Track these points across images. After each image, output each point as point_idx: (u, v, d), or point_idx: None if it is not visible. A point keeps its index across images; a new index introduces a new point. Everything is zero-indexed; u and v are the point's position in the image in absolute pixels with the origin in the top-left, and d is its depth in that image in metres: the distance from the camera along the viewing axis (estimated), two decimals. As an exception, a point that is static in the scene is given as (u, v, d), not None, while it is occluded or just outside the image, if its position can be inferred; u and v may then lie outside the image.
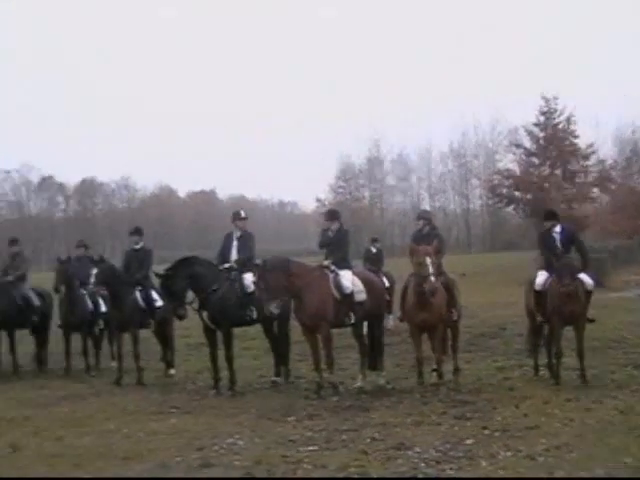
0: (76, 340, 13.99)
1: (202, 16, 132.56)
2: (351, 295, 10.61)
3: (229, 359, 11.22)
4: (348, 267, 10.96)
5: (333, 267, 10.77)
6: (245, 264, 11.47)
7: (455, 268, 19.27)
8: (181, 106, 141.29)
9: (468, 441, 7.56)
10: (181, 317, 11.61)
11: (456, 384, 10.76)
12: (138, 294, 12.49)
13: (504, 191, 50.04)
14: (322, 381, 10.53)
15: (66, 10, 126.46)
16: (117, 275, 12.51)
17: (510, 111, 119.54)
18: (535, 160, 49.99)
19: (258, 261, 11.14)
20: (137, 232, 13.28)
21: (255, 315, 11.29)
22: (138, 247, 13.10)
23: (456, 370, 11.15)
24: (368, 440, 7.78)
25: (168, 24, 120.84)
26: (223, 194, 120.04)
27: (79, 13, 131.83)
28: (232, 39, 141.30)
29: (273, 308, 10.25)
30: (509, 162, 56.12)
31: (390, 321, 16.29)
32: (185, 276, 11.00)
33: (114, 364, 13.09)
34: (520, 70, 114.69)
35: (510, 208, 53.76)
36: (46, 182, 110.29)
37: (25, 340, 15.10)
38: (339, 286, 10.56)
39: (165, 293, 11.48)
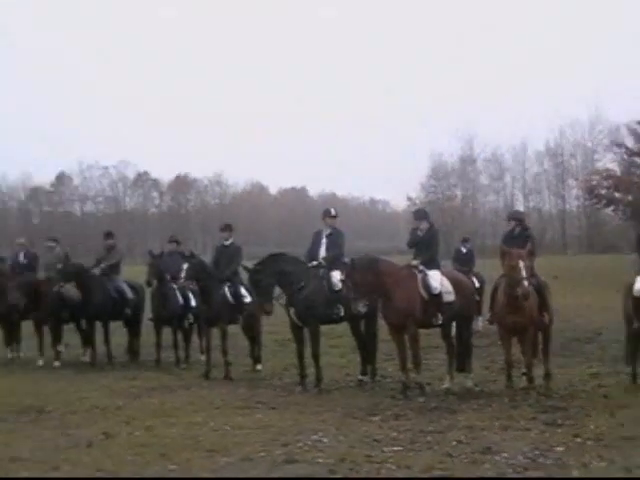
0: (167, 333, 14.29)
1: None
2: (439, 295, 10.47)
3: (316, 356, 11.24)
4: (437, 267, 10.81)
5: (421, 267, 10.64)
6: (334, 262, 11.44)
7: (549, 270, 18.77)
8: (275, 103, 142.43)
9: (558, 449, 7.33)
10: (268, 312, 11.71)
11: (547, 389, 10.47)
12: (227, 290, 12.63)
13: (603, 192, 48.52)
14: (408, 381, 10.42)
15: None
16: (207, 271, 12.69)
17: (611, 109, 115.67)
18: (638, 160, 48.24)
19: (346, 259, 11.11)
20: (227, 228, 13.42)
21: (342, 313, 11.27)
22: (228, 243, 13.24)
23: (547, 375, 10.85)
24: (454, 443, 7.64)
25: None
26: (314, 191, 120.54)
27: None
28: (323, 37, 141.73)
29: (360, 307, 10.21)
30: (609, 162, 54.51)
31: (479, 323, 16.04)
32: (273, 272, 11.07)
33: (203, 358, 13.29)
34: (622, 67, 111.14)
35: (609, 209, 52.14)
36: (141, 178, 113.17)
37: (118, 332, 15.54)
38: (427, 286, 10.43)
39: (253, 288, 11.60)
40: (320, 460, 7.14)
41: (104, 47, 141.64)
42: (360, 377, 11.68)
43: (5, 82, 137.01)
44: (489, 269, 16.59)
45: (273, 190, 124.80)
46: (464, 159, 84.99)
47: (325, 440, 7.87)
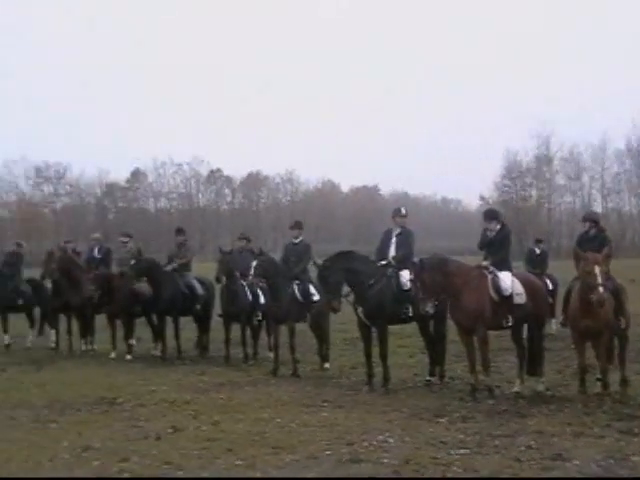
0: (236, 329, 14.41)
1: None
2: (510, 297, 10.26)
3: (383, 356, 11.16)
4: (508, 268, 10.60)
5: (492, 268, 10.45)
6: (403, 261, 11.34)
7: (627, 273, 18.26)
8: (349, 103, 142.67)
9: (634, 458, 7.09)
10: (335, 310, 11.67)
11: (623, 396, 10.13)
12: (296, 287, 12.64)
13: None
14: (477, 383, 10.25)
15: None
16: (276, 268, 12.71)
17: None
18: None
19: (416, 259, 10.99)
20: (297, 226, 13.44)
21: (411, 313, 11.16)
22: (297, 241, 13.25)
23: (623, 381, 10.51)
24: (523, 448, 7.47)
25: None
26: (385, 190, 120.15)
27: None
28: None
29: (429, 308, 10.09)
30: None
31: (552, 325, 15.69)
32: (342, 269, 11.03)
33: (271, 355, 13.36)
34: None
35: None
36: (214, 175, 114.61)
37: (188, 327, 15.75)
38: (497, 287, 10.24)
39: (321, 284, 11.58)
40: (385, 460, 7.08)
41: (180, 48, 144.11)
42: (428, 378, 11.55)
43: (85, 81, 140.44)
44: (563, 271, 16.18)
45: (345, 188, 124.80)
46: (540, 158, 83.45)
47: (391, 440, 7.81)
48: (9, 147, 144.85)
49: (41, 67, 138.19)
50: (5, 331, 15.99)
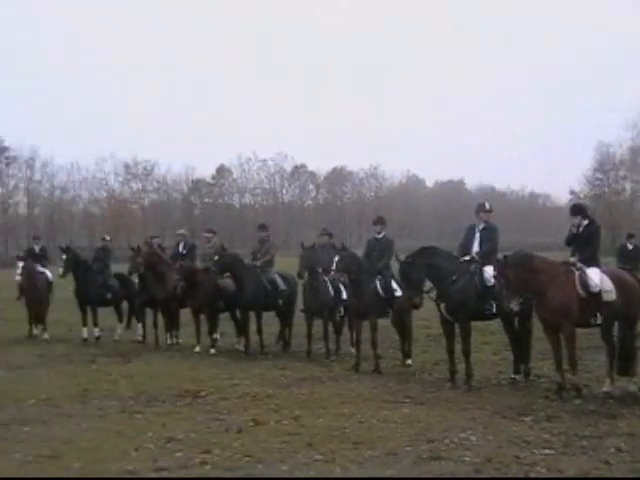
0: (318, 325, 14.44)
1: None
2: (598, 294, 9.94)
3: (466, 352, 11.00)
4: (596, 265, 10.27)
5: (579, 264, 10.15)
6: (486, 257, 11.15)
7: None
8: (434, 97, 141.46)
9: None
10: (416, 306, 11.54)
11: None
12: (378, 283, 12.58)
13: None
14: (564, 382, 9.97)
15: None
16: (358, 263, 12.68)
17: None
18: None
19: (500, 255, 10.77)
20: (380, 221, 13.38)
21: (494, 309, 10.96)
22: (380, 236, 13.19)
23: None
24: (612, 450, 7.25)
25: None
26: (471, 184, 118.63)
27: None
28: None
29: (513, 305, 9.88)
30: None
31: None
32: (423, 265, 10.92)
33: (353, 350, 13.33)
34: None
35: None
36: (298, 170, 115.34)
37: (271, 322, 15.88)
38: (585, 284, 9.93)
39: (402, 280, 11.50)
40: (466, 458, 6.99)
41: (262, 47, 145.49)
42: (513, 376, 11.32)
43: (171, 81, 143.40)
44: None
45: (429, 183, 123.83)
46: (635, 150, 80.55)
47: (473, 438, 7.70)
48: (100, 145, 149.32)
49: (129, 68, 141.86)
50: (95, 324, 16.45)
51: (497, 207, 12.03)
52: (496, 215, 11.82)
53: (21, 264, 17.08)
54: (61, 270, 16.35)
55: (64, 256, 16.27)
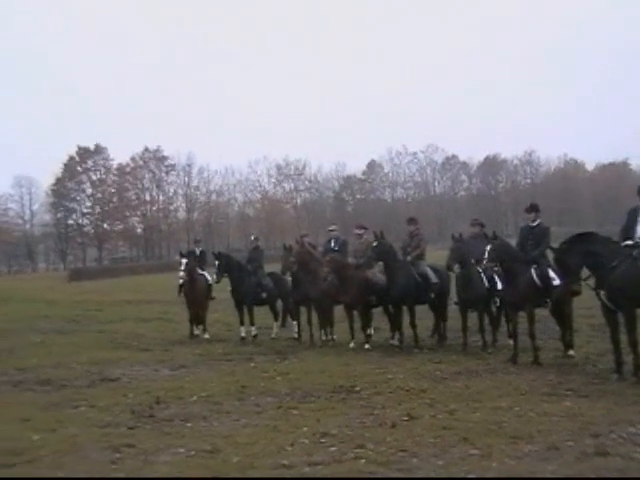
0: (473, 317, 14.14)
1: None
2: None
3: (632, 342, 10.36)
4: None
5: None
6: (651, 241, 10.49)
7: None
8: (583, 73, 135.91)
9: None
10: (575, 293, 11.02)
11: None
12: (534, 272, 12.14)
13: None
14: None
15: None
16: (511, 252, 12.32)
17: None
18: None
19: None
20: (533, 208, 12.94)
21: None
22: (534, 224, 12.76)
23: None
24: None
25: None
26: (637, 166, 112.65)
27: None
28: None
29: None
30: None
31: None
32: (580, 252, 10.43)
33: (510, 342, 12.96)
34: None
35: None
36: (450, 162, 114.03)
37: (425, 315, 15.70)
38: None
39: (558, 268, 11.04)
40: (636, 455, 6.63)
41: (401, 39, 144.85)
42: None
43: (318, 82, 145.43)
44: None
45: (589, 166, 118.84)
46: None
47: (643, 433, 7.24)
48: (252, 148, 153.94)
49: (278, 73, 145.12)
50: (251, 323, 16.84)
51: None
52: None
53: (184, 261, 17.64)
54: (215, 276, 16.91)
55: (217, 262, 16.77)
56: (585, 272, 10.63)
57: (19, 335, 18.74)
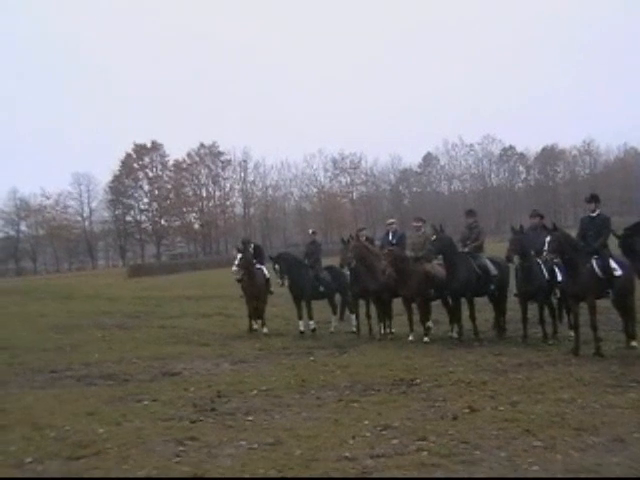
0: (533, 309, 13.99)
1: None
2: None
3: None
4: None
5: None
6: None
7: None
8: None
9: None
10: None
11: None
12: (595, 263, 11.97)
13: None
14: None
15: None
16: (571, 243, 12.15)
17: None
18: None
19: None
20: (593, 199, 12.75)
21: None
22: (594, 214, 12.58)
23: None
24: None
25: None
26: None
27: None
28: None
29: None
30: None
31: None
32: None
33: (571, 333, 12.81)
34: None
35: None
36: (507, 153, 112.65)
37: (485, 308, 15.58)
38: None
39: (624, 253, 10.90)
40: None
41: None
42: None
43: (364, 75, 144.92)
44: None
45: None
46: None
47: None
48: (308, 142, 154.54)
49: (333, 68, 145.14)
50: (310, 317, 16.92)
51: None
52: None
53: (239, 255, 17.76)
54: (279, 281, 16.86)
55: (276, 266, 16.78)
56: None
57: (82, 331, 19.22)
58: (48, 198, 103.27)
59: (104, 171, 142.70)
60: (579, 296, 12.13)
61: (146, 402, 9.74)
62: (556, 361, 11.36)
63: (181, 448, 7.36)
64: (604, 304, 13.01)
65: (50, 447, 7.56)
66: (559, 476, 6.02)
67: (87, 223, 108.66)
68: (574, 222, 69.73)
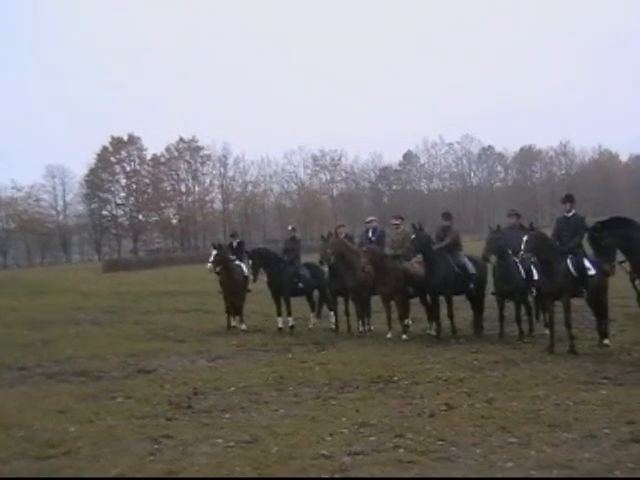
0: (510, 307, 14.14)
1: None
2: None
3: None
4: None
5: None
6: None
7: None
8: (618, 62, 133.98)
9: None
10: (607, 274, 10.97)
11: None
12: (570, 262, 12.13)
13: None
14: None
15: None
16: (547, 243, 12.30)
17: None
18: None
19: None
20: (568, 199, 12.95)
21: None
22: (570, 214, 12.74)
23: None
24: None
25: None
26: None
27: None
28: None
29: None
30: None
31: None
32: (616, 234, 10.42)
33: (546, 332, 12.96)
34: None
35: None
36: (486, 152, 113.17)
37: (462, 306, 15.70)
38: None
39: (592, 246, 11.04)
40: (673, 442, 6.62)
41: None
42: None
43: (349, 70, 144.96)
44: None
45: (624, 157, 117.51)
46: None
47: (679, 421, 7.26)
48: (288, 139, 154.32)
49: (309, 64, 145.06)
50: (289, 314, 16.93)
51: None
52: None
53: (214, 252, 17.70)
54: (252, 277, 16.96)
55: (251, 261, 16.83)
56: (620, 257, 10.62)
57: (54, 326, 19.07)
58: (19, 190, 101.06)
59: (80, 164, 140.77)
60: (554, 295, 12.28)
61: (120, 399, 9.70)
62: (532, 359, 11.50)
63: (156, 446, 7.34)
64: (578, 303, 13.17)
65: (17, 447, 7.47)
66: (533, 473, 6.10)
67: (61, 217, 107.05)
68: (551, 222, 69.95)
